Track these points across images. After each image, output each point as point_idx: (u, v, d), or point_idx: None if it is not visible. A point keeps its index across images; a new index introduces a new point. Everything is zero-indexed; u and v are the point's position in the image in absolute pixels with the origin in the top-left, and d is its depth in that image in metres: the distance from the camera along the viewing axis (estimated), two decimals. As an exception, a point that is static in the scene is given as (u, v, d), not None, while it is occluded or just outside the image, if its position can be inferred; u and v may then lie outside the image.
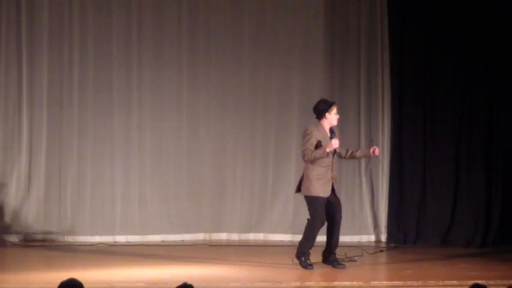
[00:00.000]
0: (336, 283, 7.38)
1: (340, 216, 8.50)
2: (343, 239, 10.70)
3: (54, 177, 10.62)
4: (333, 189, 8.40)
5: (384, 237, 10.87)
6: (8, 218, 10.45)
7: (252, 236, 10.93)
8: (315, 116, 8.48)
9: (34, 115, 10.59)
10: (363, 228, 10.96)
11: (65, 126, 10.67)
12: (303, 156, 8.36)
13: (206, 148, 10.94)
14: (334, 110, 8.42)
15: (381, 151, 10.99)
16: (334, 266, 8.44)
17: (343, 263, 8.56)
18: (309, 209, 8.41)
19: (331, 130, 8.40)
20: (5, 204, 10.48)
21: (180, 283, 4.86)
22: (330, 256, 8.47)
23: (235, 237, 10.90)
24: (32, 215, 10.51)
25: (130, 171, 10.78)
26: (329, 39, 11.10)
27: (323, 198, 8.29)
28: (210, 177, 10.90)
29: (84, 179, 10.66)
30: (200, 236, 10.82)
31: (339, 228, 8.49)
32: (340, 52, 11.10)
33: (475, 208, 10.40)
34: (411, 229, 10.63)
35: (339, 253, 8.89)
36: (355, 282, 7.39)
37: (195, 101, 10.95)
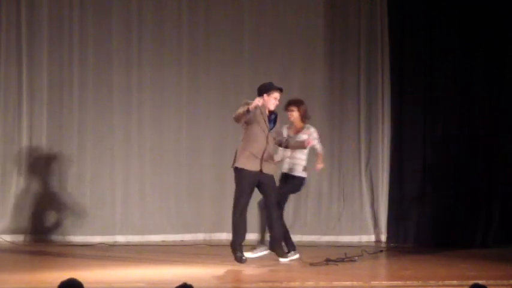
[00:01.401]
0: (336, 283, 7.36)
1: (271, 202, 8.33)
2: (343, 239, 10.75)
3: (55, 177, 10.61)
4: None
5: (383, 237, 10.87)
6: (8, 218, 10.44)
7: (251, 236, 10.89)
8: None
9: (34, 115, 10.58)
10: (363, 228, 10.95)
11: (65, 126, 10.67)
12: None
13: (206, 148, 10.94)
14: (274, 95, 8.34)
15: (381, 151, 11.03)
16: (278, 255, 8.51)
17: (287, 257, 8.51)
18: (235, 182, 8.34)
19: (274, 114, 8.32)
20: (5, 204, 10.47)
21: (180, 283, 4.86)
22: (271, 244, 8.47)
23: (235, 237, 10.87)
24: (32, 215, 10.51)
25: (131, 171, 10.78)
26: (329, 39, 11.10)
27: (249, 171, 8.22)
28: (210, 177, 10.90)
29: (84, 179, 10.66)
30: (200, 236, 10.81)
31: (274, 215, 8.34)
32: (340, 52, 11.10)
33: (475, 208, 10.39)
34: (411, 229, 10.62)
35: (339, 253, 8.89)
36: (355, 282, 7.37)
37: (195, 101, 10.94)
